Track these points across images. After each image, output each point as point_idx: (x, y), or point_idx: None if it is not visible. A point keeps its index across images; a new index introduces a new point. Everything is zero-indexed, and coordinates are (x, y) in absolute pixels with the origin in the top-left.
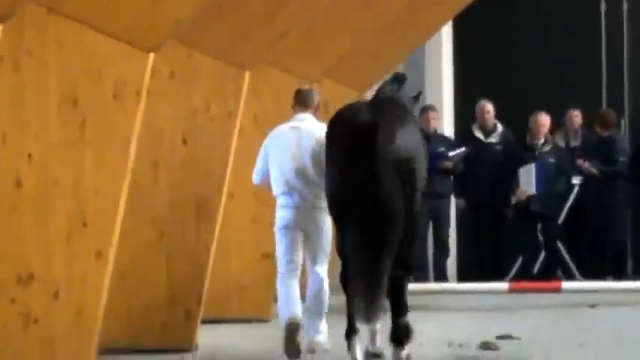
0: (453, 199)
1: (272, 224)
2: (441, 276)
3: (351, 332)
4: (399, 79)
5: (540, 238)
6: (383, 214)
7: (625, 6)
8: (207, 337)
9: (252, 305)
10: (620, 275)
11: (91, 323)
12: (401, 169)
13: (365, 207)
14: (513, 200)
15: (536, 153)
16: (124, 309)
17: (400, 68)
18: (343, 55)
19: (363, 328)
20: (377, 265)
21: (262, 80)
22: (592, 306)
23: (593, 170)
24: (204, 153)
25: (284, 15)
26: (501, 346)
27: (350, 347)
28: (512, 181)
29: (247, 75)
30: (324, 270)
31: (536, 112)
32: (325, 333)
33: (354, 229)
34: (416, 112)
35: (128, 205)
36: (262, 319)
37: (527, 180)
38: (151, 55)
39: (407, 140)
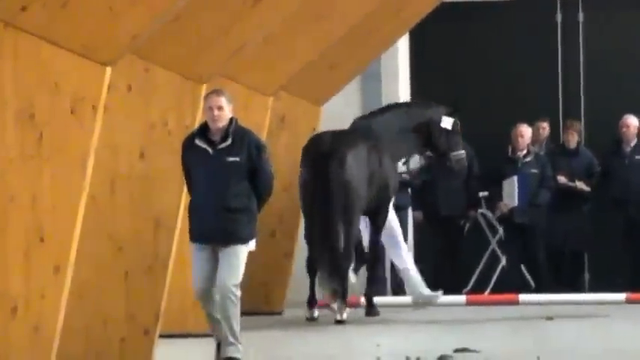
0: (410, 212)
1: None
2: (398, 289)
3: (311, 301)
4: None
5: (496, 250)
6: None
7: (580, 17)
8: (165, 352)
9: None
10: (577, 288)
11: (49, 339)
12: (346, 188)
13: (319, 211)
14: (497, 214)
15: (519, 164)
16: (83, 325)
17: (357, 81)
18: (300, 68)
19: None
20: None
21: None
22: (549, 318)
23: (572, 184)
24: (162, 167)
25: (240, 28)
26: None
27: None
28: (471, 193)
29: (204, 88)
30: None
31: (517, 124)
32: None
33: (313, 222)
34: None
35: (86, 220)
36: None
37: (510, 192)
38: (108, 69)
39: (355, 165)
